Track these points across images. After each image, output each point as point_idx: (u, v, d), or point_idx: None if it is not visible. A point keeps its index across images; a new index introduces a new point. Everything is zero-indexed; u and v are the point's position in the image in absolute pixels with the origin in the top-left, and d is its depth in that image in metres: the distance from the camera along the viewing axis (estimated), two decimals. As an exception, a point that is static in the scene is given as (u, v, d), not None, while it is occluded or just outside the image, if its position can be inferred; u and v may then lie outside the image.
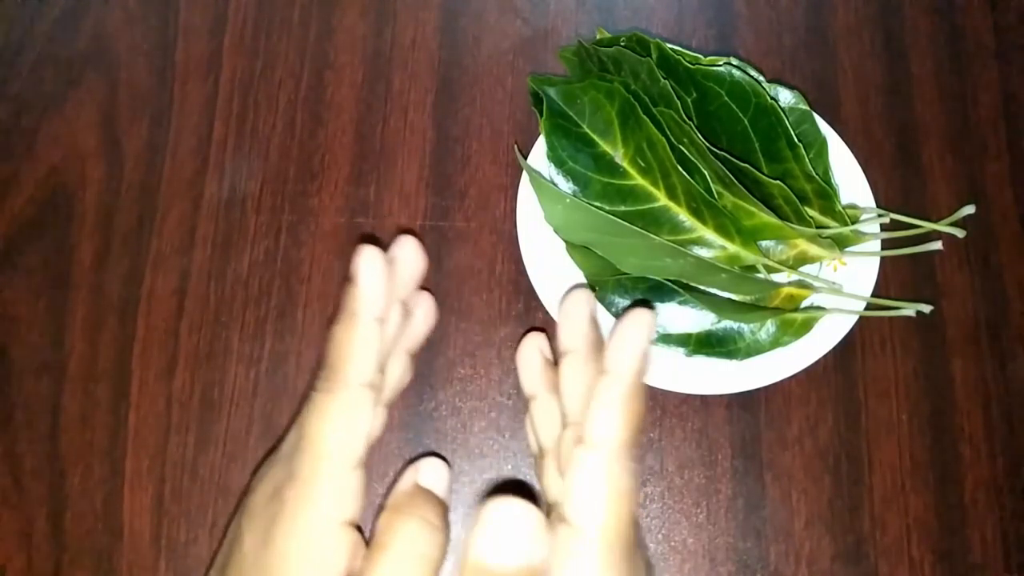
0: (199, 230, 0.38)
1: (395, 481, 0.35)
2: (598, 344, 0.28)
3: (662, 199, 0.33)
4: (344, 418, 0.25)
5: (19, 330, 0.36)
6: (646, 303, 0.34)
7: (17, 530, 0.34)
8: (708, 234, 0.33)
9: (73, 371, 0.36)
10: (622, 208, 0.33)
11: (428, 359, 0.36)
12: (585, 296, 0.29)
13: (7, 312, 0.36)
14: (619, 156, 0.33)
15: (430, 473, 0.28)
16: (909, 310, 0.35)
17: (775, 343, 0.33)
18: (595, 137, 0.33)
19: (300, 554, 0.24)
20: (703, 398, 0.36)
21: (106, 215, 0.38)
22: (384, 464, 0.35)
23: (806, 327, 0.33)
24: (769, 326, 0.33)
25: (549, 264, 0.35)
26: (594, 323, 0.29)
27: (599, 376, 0.25)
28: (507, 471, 0.35)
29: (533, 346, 0.31)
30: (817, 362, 0.34)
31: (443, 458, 0.31)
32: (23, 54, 0.40)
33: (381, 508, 0.27)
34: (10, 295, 0.36)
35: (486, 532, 0.19)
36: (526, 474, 0.35)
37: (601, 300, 0.34)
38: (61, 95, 0.39)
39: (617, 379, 0.24)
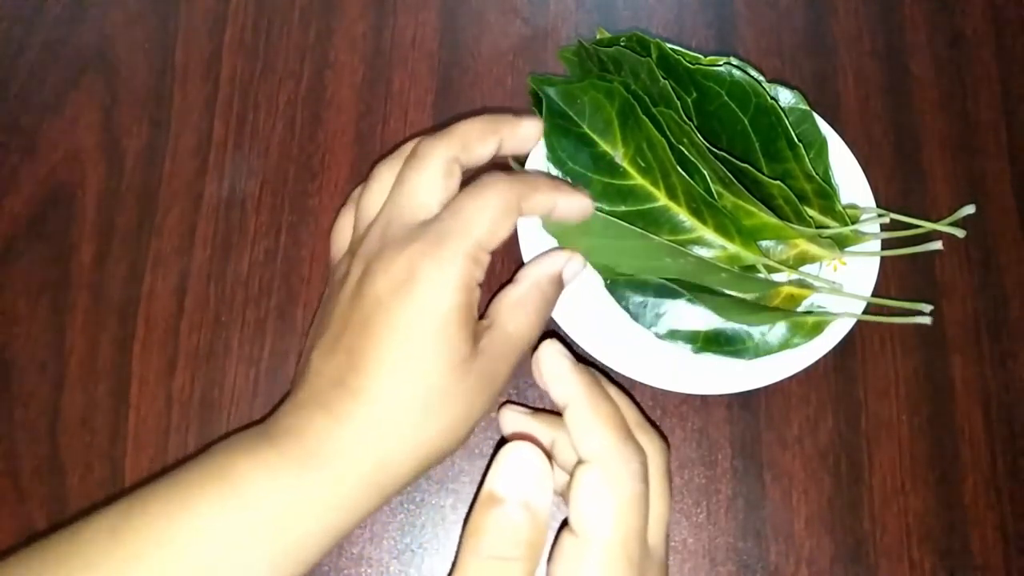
0: (199, 230, 0.38)
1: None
2: (592, 382, 0.28)
3: (662, 199, 0.33)
4: None
5: (19, 330, 0.36)
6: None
7: (17, 530, 0.34)
8: (708, 234, 0.33)
9: (73, 371, 0.36)
10: (622, 208, 0.33)
11: (428, 359, 0.36)
12: (553, 350, 0.29)
13: (7, 312, 0.36)
14: (619, 156, 0.33)
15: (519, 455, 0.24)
16: (909, 318, 0.35)
17: (785, 345, 0.33)
18: (595, 137, 0.33)
19: None
20: (703, 398, 0.36)
21: (106, 215, 0.38)
22: (384, 464, 0.35)
23: (817, 329, 0.33)
24: (780, 327, 0.33)
25: (549, 264, 0.35)
26: (577, 367, 0.29)
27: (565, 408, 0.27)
28: (507, 471, 0.35)
29: (554, 352, 0.29)
30: (817, 362, 0.34)
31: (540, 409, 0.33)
32: (23, 54, 0.40)
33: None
34: (10, 295, 0.36)
35: (500, 466, 0.23)
36: (526, 474, 0.35)
37: (614, 295, 0.34)
38: (61, 95, 0.39)
39: (576, 397, 0.27)
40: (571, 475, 0.26)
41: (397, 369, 0.26)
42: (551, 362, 0.28)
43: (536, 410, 0.32)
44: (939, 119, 0.40)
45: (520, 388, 0.36)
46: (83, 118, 0.39)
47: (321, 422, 0.26)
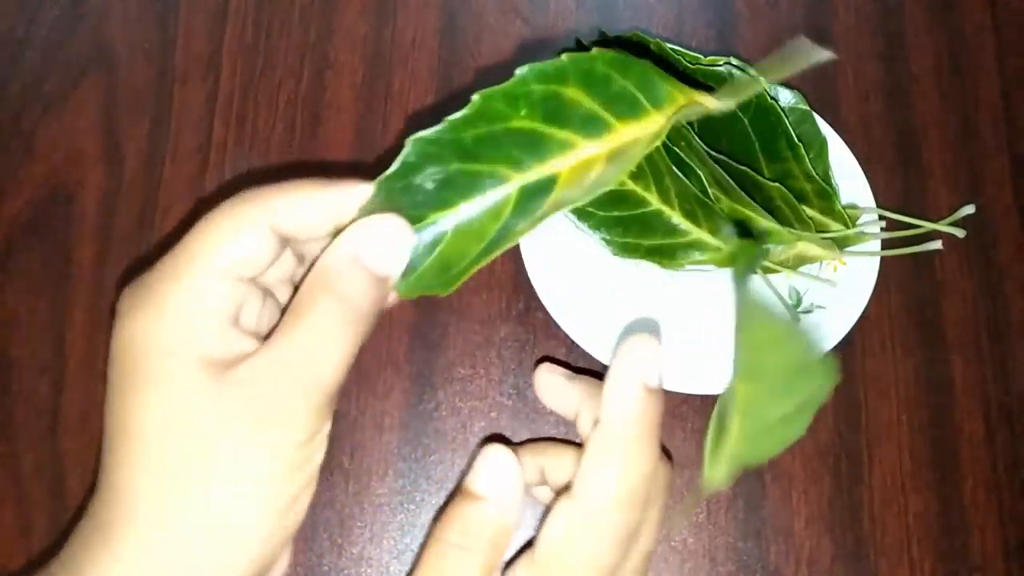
0: (199, 230, 0.38)
1: (395, 480, 0.35)
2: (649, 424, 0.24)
3: (654, 203, 0.33)
4: None
5: (19, 330, 0.36)
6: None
7: (17, 530, 0.34)
8: (703, 236, 0.33)
9: (73, 371, 0.36)
10: (615, 213, 0.33)
11: (428, 359, 0.36)
12: (642, 348, 0.25)
13: (7, 312, 0.36)
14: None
15: (484, 479, 0.24)
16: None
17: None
18: None
19: None
20: (703, 398, 0.36)
21: (106, 215, 0.38)
22: (384, 464, 0.35)
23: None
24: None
25: (549, 264, 0.35)
26: (649, 393, 0.24)
27: (594, 425, 0.22)
28: (507, 471, 0.35)
29: (547, 375, 0.28)
30: (817, 362, 0.33)
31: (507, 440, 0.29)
32: (23, 54, 0.40)
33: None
34: (10, 295, 0.36)
35: (477, 465, 0.23)
36: (526, 474, 0.35)
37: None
38: (61, 95, 0.39)
39: (608, 429, 0.22)
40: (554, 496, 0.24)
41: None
42: (629, 366, 0.24)
43: (575, 371, 0.29)
44: (939, 119, 0.40)
45: (520, 388, 0.36)
46: (83, 118, 0.39)
47: None
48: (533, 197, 0.21)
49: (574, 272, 0.35)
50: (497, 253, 0.21)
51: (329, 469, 0.35)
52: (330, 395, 0.20)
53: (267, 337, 0.21)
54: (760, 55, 0.41)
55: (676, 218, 0.33)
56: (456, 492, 0.23)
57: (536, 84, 0.21)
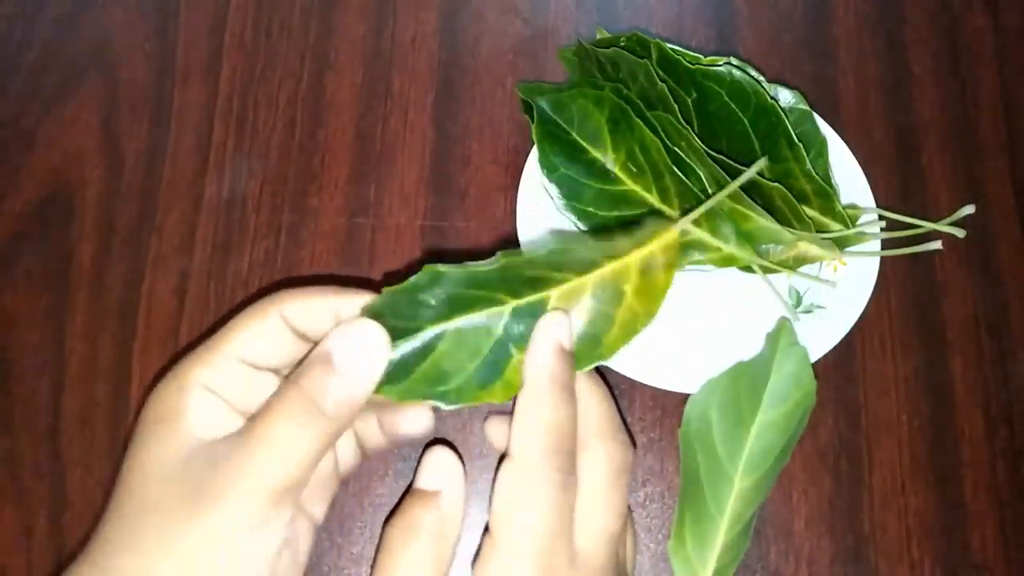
0: (199, 230, 0.38)
1: (395, 480, 0.35)
2: (558, 374, 0.26)
3: (655, 203, 0.33)
4: None
5: (19, 330, 0.36)
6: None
7: (17, 530, 0.34)
8: (702, 236, 0.33)
9: (73, 371, 0.36)
10: (615, 213, 0.33)
11: (428, 359, 0.36)
12: (558, 318, 0.27)
13: (7, 312, 0.36)
14: (610, 162, 0.33)
15: (431, 475, 0.26)
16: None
17: None
18: (585, 144, 0.33)
19: None
20: (703, 398, 0.36)
21: (106, 215, 0.38)
22: (384, 464, 0.35)
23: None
24: None
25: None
26: (564, 353, 0.27)
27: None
28: (507, 471, 0.35)
29: (493, 424, 0.31)
30: (817, 362, 0.34)
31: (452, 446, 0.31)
32: (23, 54, 0.40)
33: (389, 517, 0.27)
34: (10, 295, 0.36)
35: (423, 464, 0.26)
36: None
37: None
38: (61, 95, 0.39)
39: (528, 386, 0.24)
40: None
41: None
42: (541, 334, 0.26)
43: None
44: (939, 119, 0.40)
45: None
46: (83, 118, 0.39)
47: None
48: (525, 316, 0.24)
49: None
50: (500, 394, 0.24)
51: (329, 469, 0.35)
52: (282, 491, 0.21)
53: None
54: (760, 55, 0.41)
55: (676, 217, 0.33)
56: (405, 494, 0.25)
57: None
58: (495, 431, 0.31)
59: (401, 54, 0.40)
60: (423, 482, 0.25)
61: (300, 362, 0.23)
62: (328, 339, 0.22)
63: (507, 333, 0.24)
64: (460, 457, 0.26)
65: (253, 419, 0.22)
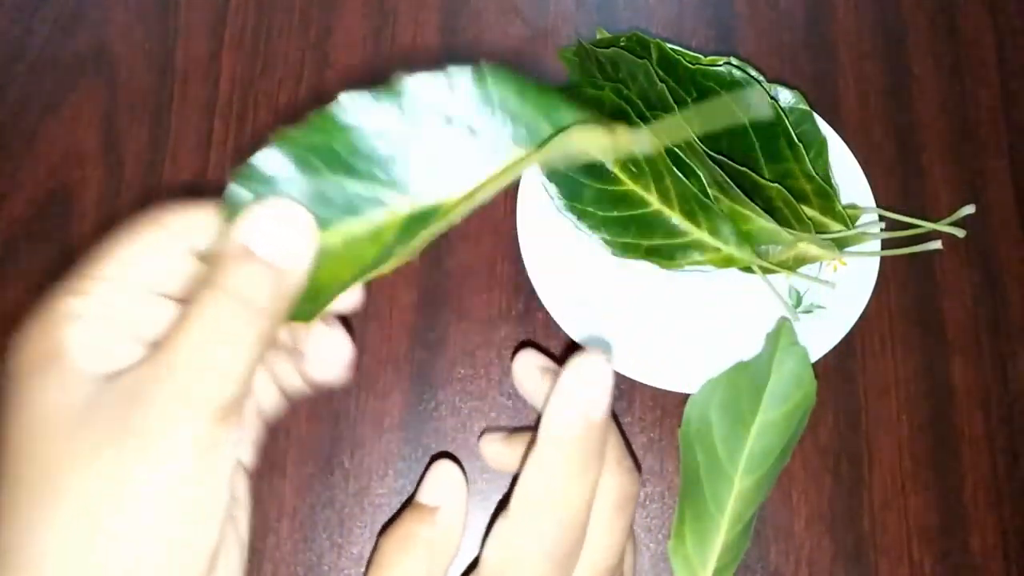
0: (199, 230, 0.38)
1: (395, 480, 0.35)
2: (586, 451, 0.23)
3: (654, 203, 0.33)
4: None
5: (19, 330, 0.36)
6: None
7: (17, 530, 0.34)
8: (702, 236, 0.33)
9: (73, 371, 0.36)
10: (615, 214, 0.33)
11: (428, 359, 0.36)
12: (525, 361, 0.25)
13: (7, 313, 0.36)
14: (610, 162, 0.33)
15: (434, 490, 0.25)
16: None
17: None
18: None
19: None
20: (703, 398, 0.36)
21: (106, 215, 0.38)
22: (384, 464, 0.35)
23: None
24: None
25: (549, 264, 0.35)
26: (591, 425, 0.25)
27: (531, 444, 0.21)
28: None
29: (525, 364, 0.28)
30: (817, 362, 0.34)
31: (455, 459, 0.31)
32: (23, 54, 0.40)
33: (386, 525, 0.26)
34: (10, 296, 0.36)
35: (426, 478, 0.24)
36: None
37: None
38: (61, 95, 0.39)
39: (542, 456, 0.20)
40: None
41: None
42: (522, 375, 0.26)
43: (513, 431, 0.30)
44: (939, 119, 0.40)
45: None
46: (83, 118, 0.39)
47: None
48: (419, 222, 0.19)
49: (574, 272, 0.35)
50: (371, 276, 0.19)
51: (329, 469, 0.35)
52: (227, 407, 0.18)
53: None
54: (760, 55, 0.41)
55: (676, 218, 0.33)
56: (404, 507, 0.24)
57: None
58: (492, 450, 0.29)
59: (401, 54, 0.40)
60: (423, 496, 0.24)
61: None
62: (239, 226, 0.18)
63: (396, 240, 0.19)
64: (464, 473, 0.25)
65: (169, 337, 0.18)
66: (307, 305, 0.19)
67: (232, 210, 0.18)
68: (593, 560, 0.24)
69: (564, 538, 0.21)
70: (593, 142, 0.19)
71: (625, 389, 0.36)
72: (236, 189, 0.18)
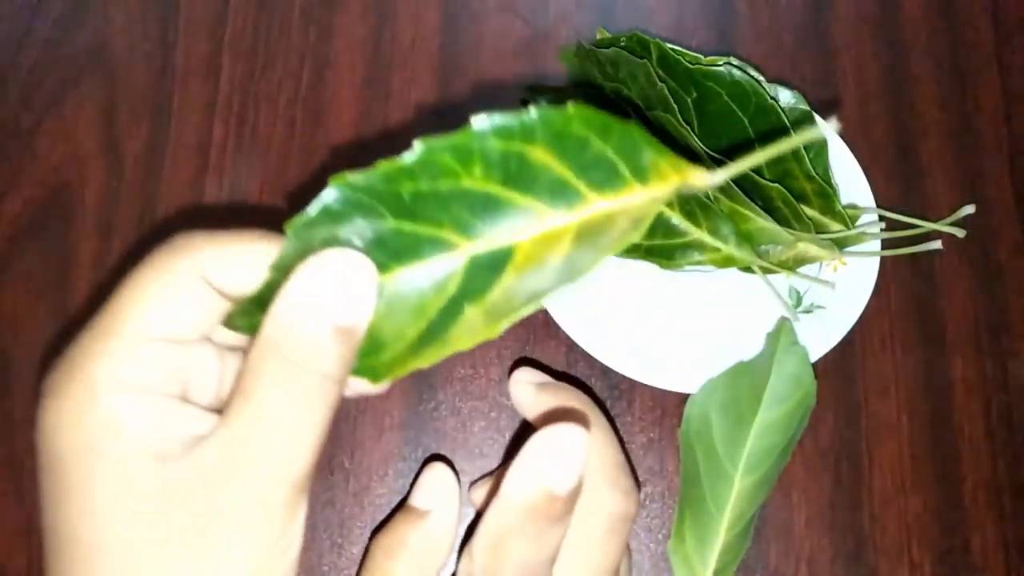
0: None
1: (395, 480, 0.35)
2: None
3: None
4: None
5: (19, 331, 0.36)
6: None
7: (17, 530, 0.34)
8: (702, 236, 0.33)
9: (73, 371, 0.36)
10: None
11: (428, 359, 0.36)
12: (521, 378, 0.26)
13: (7, 313, 0.36)
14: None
15: (427, 495, 0.26)
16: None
17: None
18: None
19: None
20: (703, 398, 0.36)
21: (106, 215, 0.38)
22: (384, 464, 0.35)
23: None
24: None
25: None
26: (544, 394, 0.26)
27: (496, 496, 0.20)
28: (507, 471, 0.35)
29: (519, 381, 0.29)
30: (817, 362, 0.34)
31: (448, 461, 0.31)
32: (23, 54, 0.40)
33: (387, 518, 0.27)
34: (10, 296, 0.36)
35: (420, 481, 0.25)
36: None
37: None
38: (61, 95, 0.39)
39: (503, 506, 0.20)
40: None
41: None
42: (517, 390, 0.27)
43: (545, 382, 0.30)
44: (939, 119, 0.40)
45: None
46: (83, 118, 0.39)
47: None
48: (485, 270, 0.17)
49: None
50: (446, 349, 0.17)
51: (329, 469, 0.35)
52: (299, 484, 0.17)
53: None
54: (760, 55, 0.41)
55: (676, 218, 0.33)
56: (398, 509, 0.25)
57: (496, 140, 0.17)
58: (480, 497, 0.30)
59: (401, 54, 0.40)
60: (416, 500, 0.25)
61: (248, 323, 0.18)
62: (297, 283, 0.17)
63: (462, 290, 0.17)
64: (457, 476, 0.25)
65: (236, 411, 0.17)
66: (369, 360, 0.18)
67: (289, 258, 0.17)
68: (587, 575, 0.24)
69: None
70: (670, 189, 0.18)
71: (625, 389, 0.36)
72: (293, 236, 0.17)
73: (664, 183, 0.17)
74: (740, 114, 0.34)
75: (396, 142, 0.39)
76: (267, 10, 0.41)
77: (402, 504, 0.26)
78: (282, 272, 0.17)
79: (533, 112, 0.17)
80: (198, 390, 0.19)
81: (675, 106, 0.32)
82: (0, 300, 0.36)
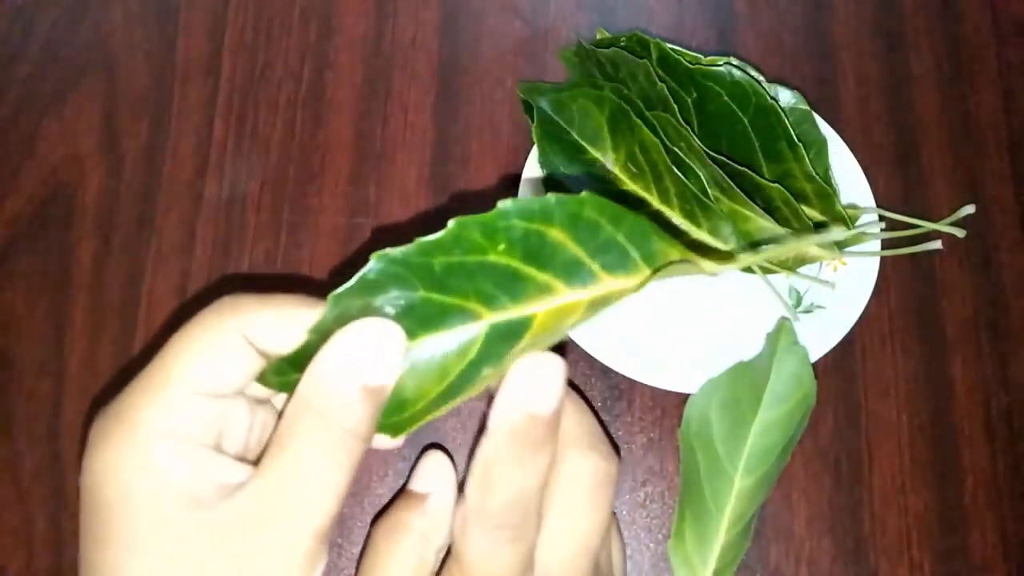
0: (199, 230, 0.38)
1: (395, 480, 0.35)
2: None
3: (654, 204, 0.33)
4: None
5: (19, 331, 0.36)
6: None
7: (17, 530, 0.34)
8: (702, 236, 0.33)
9: (73, 371, 0.36)
10: None
11: (428, 359, 0.36)
12: (536, 373, 0.24)
13: (7, 313, 0.36)
14: (610, 162, 0.33)
15: (424, 479, 0.26)
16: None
17: None
18: (585, 144, 0.33)
19: None
20: (703, 398, 0.36)
21: (106, 215, 0.38)
22: (384, 464, 0.35)
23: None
24: None
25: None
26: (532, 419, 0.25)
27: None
28: (507, 471, 0.35)
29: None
30: (817, 362, 0.34)
31: (444, 449, 0.31)
32: (23, 54, 0.40)
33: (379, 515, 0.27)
34: (10, 296, 0.36)
35: (418, 468, 0.26)
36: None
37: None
38: (61, 95, 0.39)
39: (490, 437, 0.20)
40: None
41: None
42: (523, 377, 0.25)
43: None
44: (939, 119, 0.40)
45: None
46: (83, 118, 0.39)
47: None
48: (504, 338, 0.19)
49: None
50: (459, 400, 0.20)
51: (329, 469, 0.35)
52: (323, 535, 0.19)
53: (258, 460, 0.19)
54: (760, 55, 0.41)
55: (676, 218, 0.33)
56: (396, 496, 0.26)
57: (519, 220, 0.19)
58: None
59: (401, 54, 0.40)
60: (414, 484, 0.25)
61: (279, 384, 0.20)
62: (332, 347, 0.19)
63: (482, 355, 0.19)
64: (454, 463, 0.26)
65: (272, 462, 0.19)
66: (392, 418, 0.20)
67: (327, 323, 0.19)
68: (575, 541, 0.24)
69: (509, 517, 0.21)
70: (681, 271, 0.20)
71: (625, 389, 0.36)
72: (333, 303, 0.19)
73: (667, 263, 0.20)
74: (740, 114, 0.34)
75: (396, 143, 0.39)
76: (267, 10, 0.41)
77: (402, 491, 0.26)
78: (320, 335, 0.19)
79: (551, 197, 0.19)
80: (229, 440, 0.21)
81: (675, 106, 0.32)
82: (0, 300, 0.36)
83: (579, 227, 0.19)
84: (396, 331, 0.19)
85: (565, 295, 0.20)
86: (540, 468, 0.21)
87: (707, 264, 0.20)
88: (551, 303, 0.20)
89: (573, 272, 0.20)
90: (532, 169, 0.35)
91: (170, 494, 0.18)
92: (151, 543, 0.18)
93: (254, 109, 0.39)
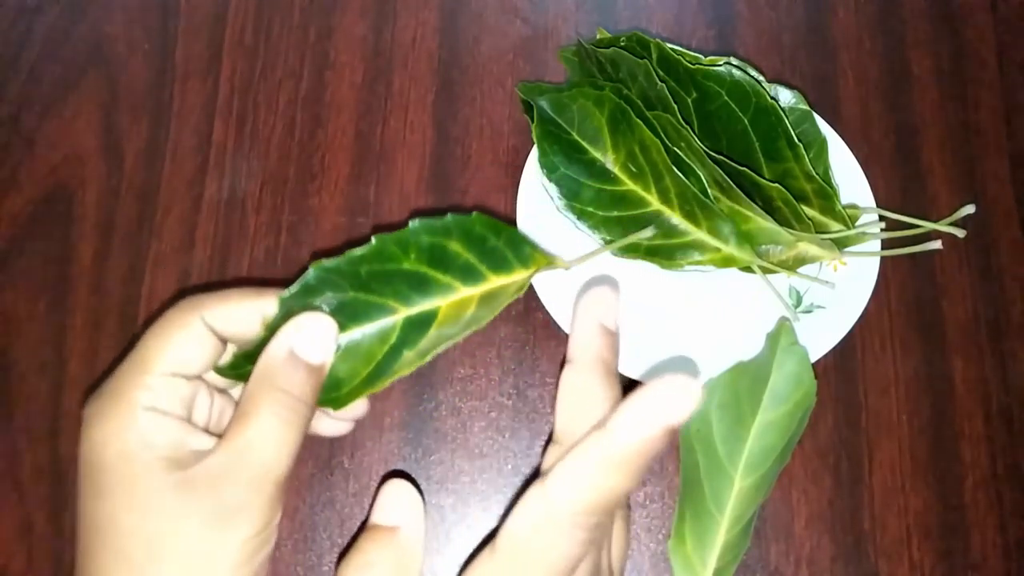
0: (199, 230, 0.38)
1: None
2: (608, 361, 0.25)
3: (654, 203, 0.33)
4: None
5: (19, 330, 0.36)
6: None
7: (17, 530, 0.34)
8: (702, 236, 0.33)
9: (73, 371, 0.36)
10: (615, 213, 0.33)
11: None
12: (599, 297, 0.25)
13: (7, 312, 0.36)
14: (610, 162, 0.33)
15: (389, 511, 0.25)
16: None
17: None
18: (585, 144, 0.33)
19: None
20: (703, 398, 0.36)
21: (106, 215, 0.38)
22: (384, 464, 0.35)
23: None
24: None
25: (549, 264, 0.35)
26: (606, 333, 0.25)
27: (595, 425, 0.21)
28: (507, 471, 0.35)
29: (596, 301, 0.26)
30: (817, 362, 0.34)
31: (410, 478, 0.31)
32: (23, 54, 0.40)
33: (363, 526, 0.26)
34: (10, 295, 0.36)
35: (379, 499, 0.26)
36: (525, 474, 0.35)
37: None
38: (61, 95, 0.39)
39: (616, 442, 0.21)
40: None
41: None
42: (582, 321, 0.25)
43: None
44: (939, 119, 0.40)
45: (520, 388, 0.36)
46: (83, 118, 0.39)
47: None
48: (417, 327, 0.24)
49: (574, 272, 0.35)
50: (387, 380, 0.24)
51: (329, 469, 0.35)
52: (280, 485, 0.23)
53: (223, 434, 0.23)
54: (760, 55, 0.41)
55: (676, 218, 0.33)
56: (360, 531, 0.25)
57: (425, 235, 0.24)
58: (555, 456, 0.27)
59: (401, 54, 0.40)
60: (379, 517, 0.24)
61: (236, 366, 0.24)
62: (283, 335, 0.23)
63: (400, 341, 0.24)
64: (419, 489, 0.26)
65: (236, 427, 0.23)
66: (332, 394, 0.24)
67: (277, 320, 0.23)
68: (619, 562, 0.26)
69: (598, 523, 0.22)
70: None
71: (625, 389, 0.36)
72: (281, 305, 0.23)
73: (537, 265, 0.26)
74: (740, 114, 0.34)
75: (396, 143, 0.39)
76: (267, 10, 0.41)
77: (363, 526, 0.25)
78: (271, 331, 0.23)
79: (449, 217, 0.24)
80: (197, 416, 0.25)
81: (675, 106, 0.32)
82: (0, 300, 0.36)
83: (471, 239, 0.25)
84: (330, 322, 0.23)
85: (462, 292, 0.25)
86: (616, 392, 0.25)
87: (560, 262, 0.27)
88: (452, 298, 0.25)
89: (468, 274, 0.25)
90: (532, 169, 0.35)
91: (156, 457, 0.22)
92: (145, 496, 0.22)
93: (254, 109, 0.39)
